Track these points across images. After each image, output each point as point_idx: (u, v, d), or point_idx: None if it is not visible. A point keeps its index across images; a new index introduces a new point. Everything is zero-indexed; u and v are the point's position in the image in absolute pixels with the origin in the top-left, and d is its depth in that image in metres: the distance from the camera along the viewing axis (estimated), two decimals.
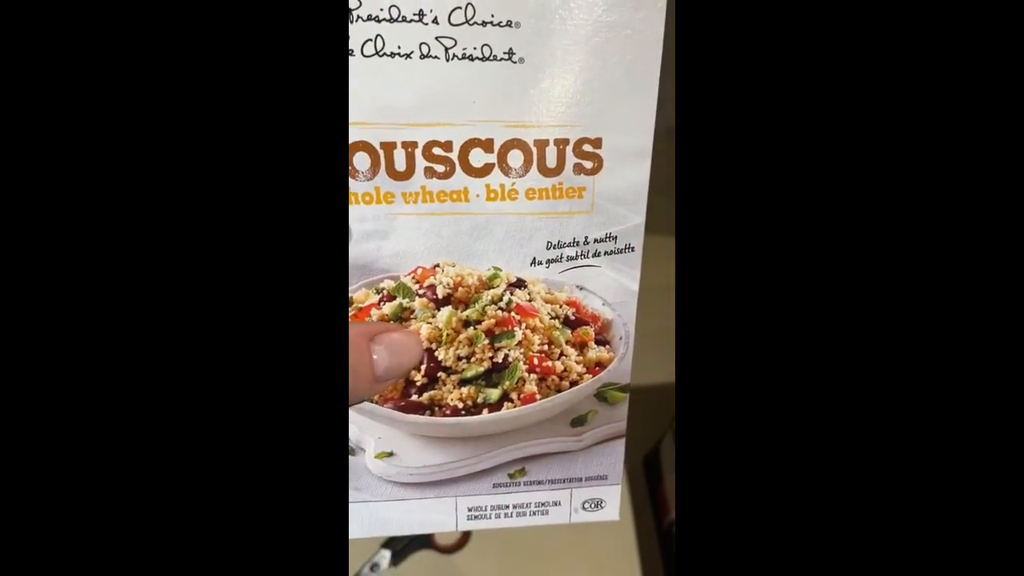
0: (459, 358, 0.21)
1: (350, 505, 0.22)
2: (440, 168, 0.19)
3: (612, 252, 0.21)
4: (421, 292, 0.21)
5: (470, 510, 0.23)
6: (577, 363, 0.22)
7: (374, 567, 0.39)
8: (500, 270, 0.21)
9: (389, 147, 0.19)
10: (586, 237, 0.21)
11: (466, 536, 0.42)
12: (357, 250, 0.20)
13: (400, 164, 0.19)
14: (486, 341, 0.21)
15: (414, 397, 0.21)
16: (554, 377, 0.22)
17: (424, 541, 0.41)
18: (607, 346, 0.23)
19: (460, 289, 0.21)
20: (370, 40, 0.18)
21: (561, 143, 0.20)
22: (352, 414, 0.21)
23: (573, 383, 0.22)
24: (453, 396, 0.21)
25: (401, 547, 0.40)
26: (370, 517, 0.22)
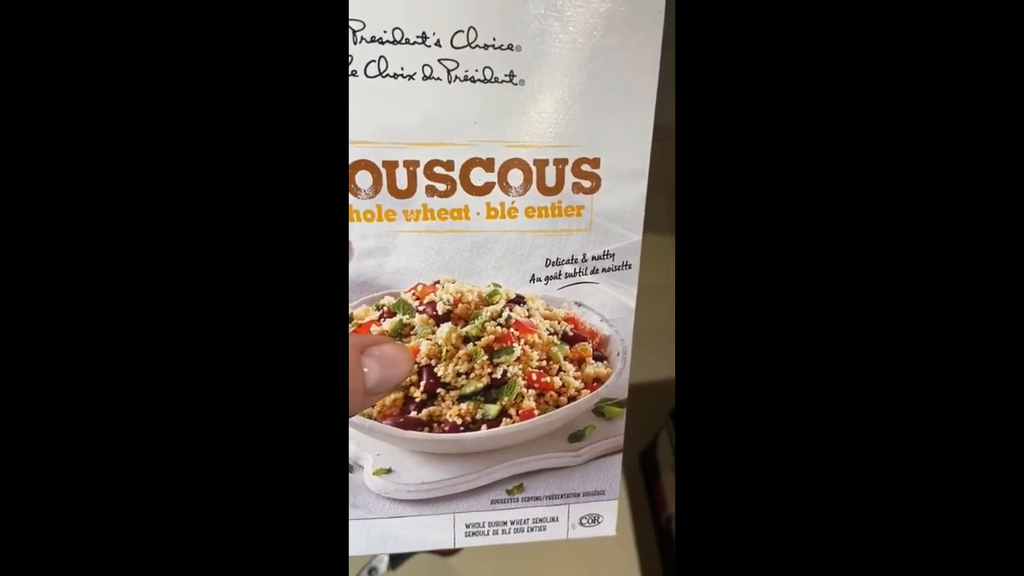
0: (458, 374, 0.21)
1: (348, 522, 0.22)
2: (441, 187, 0.20)
3: (610, 269, 0.21)
4: (421, 308, 0.21)
5: (468, 526, 0.23)
6: (575, 379, 0.22)
7: (372, 572, 0.39)
8: (500, 287, 0.21)
9: (391, 166, 0.19)
10: (584, 254, 0.21)
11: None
12: (358, 267, 0.20)
13: (402, 182, 0.19)
14: (485, 357, 0.22)
15: (413, 413, 0.21)
16: (552, 393, 0.22)
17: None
18: (605, 361, 0.23)
19: (460, 305, 0.21)
20: (373, 61, 0.18)
21: (560, 163, 0.20)
22: (350, 431, 0.21)
23: (571, 399, 0.22)
24: (452, 412, 0.21)
25: None
26: (368, 534, 0.22)
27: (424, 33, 0.18)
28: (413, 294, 0.21)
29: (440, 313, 0.21)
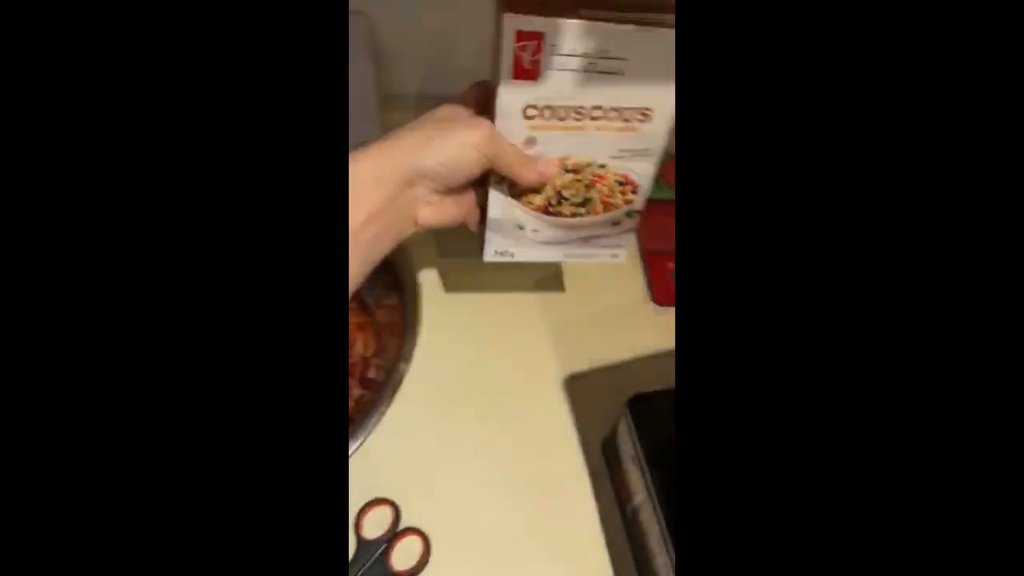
0: (572, 195, 0.49)
1: (516, 253, 0.52)
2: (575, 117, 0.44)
3: (647, 155, 0.47)
4: (566, 169, 0.48)
5: (566, 255, 0.53)
6: (621, 200, 0.50)
7: None
8: (595, 161, 0.47)
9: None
10: (642, 148, 0.47)
11: (424, 559, 0.44)
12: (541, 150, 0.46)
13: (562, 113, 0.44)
14: (585, 189, 0.49)
15: (550, 209, 0.50)
16: (611, 204, 0.50)
17: (381, 570, 0.42)
18: (636, 195, 0.51)
19: (576, 167, 0.48)
20: None
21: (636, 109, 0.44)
22: (522, 215, 0.50)
23: (616, 207, 0.51)
24: (567, 210, 0.50)
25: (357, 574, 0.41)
26: (524, 257, 0.53)
27: None
28: (563, 164, 0.47)
29: (567, 168, 0.48)
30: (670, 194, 0.71)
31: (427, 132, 0.41)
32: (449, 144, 0.40)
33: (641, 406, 0.42)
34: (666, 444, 0.40)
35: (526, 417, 0.54)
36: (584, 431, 0.53)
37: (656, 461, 0.39)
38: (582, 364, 0.59)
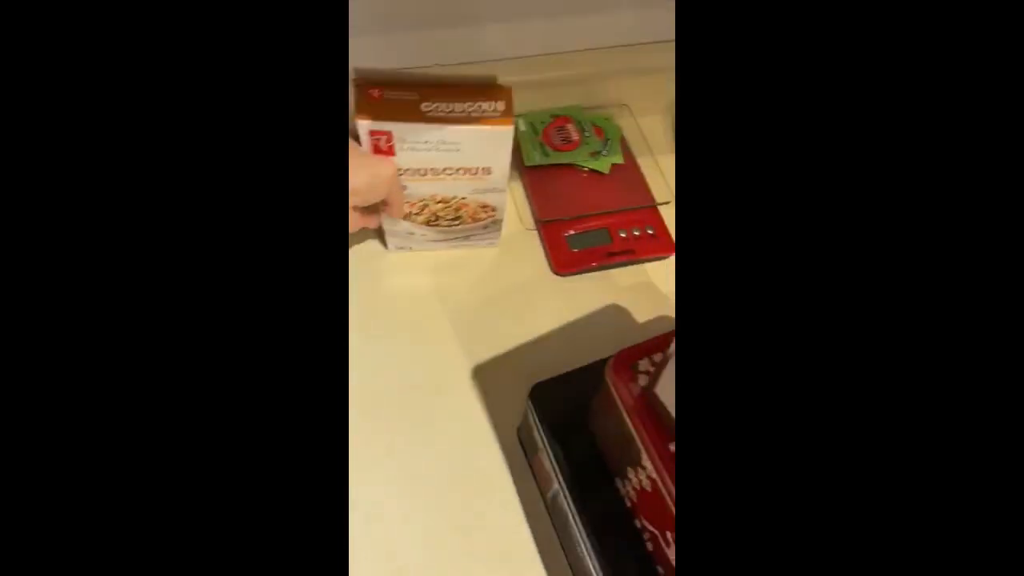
0: (444, 215, 0.65)
1: (413, 246, 0.69)
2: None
3: (499, 190, 0.63)
4: (435, 201, 0.63)
5: (451, 246, 0.71)
6: (482, 216, 0.66)
7: None
8: (459, 196, 0.63)
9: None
10: (496, 187, 0.62)
11: None
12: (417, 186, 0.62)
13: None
14: (454, 211, 0.65)
15: (430, 223, 0.66)
16: (475, 219, 0.67)
17: None
18: (494, 213, 0.66)
19: (444, 199, 0.63)
20: None
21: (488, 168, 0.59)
22: (410, 226, 0.66)
23: (483, 220, 0.67)
24: (443, 223, 0.66)
25: None
26: (419, 248, 0.70)
27: None
28: (433, 198, 0.63)
29: (438, 200, 0.63)
30: (557, 158, 0.74)
31: (352, 158, 0.51)
32: (371, 171, 0.52)
33: (543, 394, 0.41)
34: (570, 429, 0.39)
35: (437, 419, 0.52)
36: (498, 422, 0.51)
37: (563, 448, 0.39)
38: (490, 351, 0.58)
